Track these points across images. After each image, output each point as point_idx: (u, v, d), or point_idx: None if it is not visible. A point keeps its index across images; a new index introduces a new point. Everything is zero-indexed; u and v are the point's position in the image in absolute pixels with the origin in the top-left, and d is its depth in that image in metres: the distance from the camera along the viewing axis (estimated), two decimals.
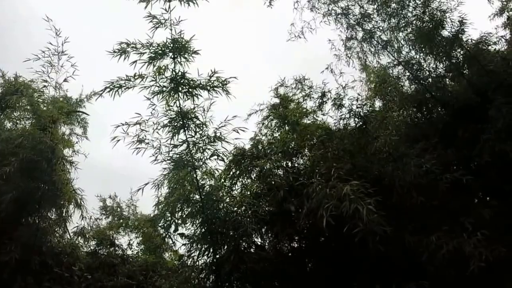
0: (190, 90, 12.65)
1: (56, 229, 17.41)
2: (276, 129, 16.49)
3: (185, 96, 12.68)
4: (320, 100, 15.92)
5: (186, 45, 12.45)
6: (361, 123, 14.36)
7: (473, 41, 15.43)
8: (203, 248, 13.22)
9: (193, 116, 12.78)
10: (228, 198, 13.94)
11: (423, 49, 15.97)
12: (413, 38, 15.99)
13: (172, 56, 12.50)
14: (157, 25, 12.29)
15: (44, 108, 17.34)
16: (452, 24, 15.30)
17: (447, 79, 16.29)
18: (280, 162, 14.36)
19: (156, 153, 12.82)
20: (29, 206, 15.86)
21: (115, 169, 20.42)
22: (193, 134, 12.89)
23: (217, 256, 12.96)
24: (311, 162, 13.86)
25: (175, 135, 12.76)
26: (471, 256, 10.29)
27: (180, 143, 12.83)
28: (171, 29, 12.30)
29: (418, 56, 16.27)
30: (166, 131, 12.74)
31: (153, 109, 12.68)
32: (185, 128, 12.73)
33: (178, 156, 12.89)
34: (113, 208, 20.26)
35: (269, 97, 17.05)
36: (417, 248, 11.07)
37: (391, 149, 13.35)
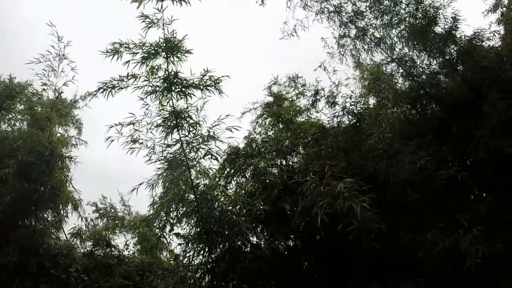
0: (183, 89, 12.53)
1: (52, 231, 17.39)
2: (270, 127, 16.57)
3: (178, 96, 12.57)
4: (314, 98, 15.93)
5: (179, 45, 12.36)
6: (354, 120, 14.32)
7: (467, 37, 15.32)
8: (198, 248, 13.13)
9: (186, 115, 12.66)
10: (222, 197, 13.80)
11: (417, 46, 15.85)
12: (406, 35, 15.86)
13: (165, 56, 12.39)
14: (149, 25, 12.16)
15: (41, 110, 17.26)
16: (445, 21, 15.21)
17: (441, 76, 16.21)
18: (274, 161, 14.27)
19: (150, 153, 12.70)
20: (26, 208, 15.75)
21: (110, 169, 20.29)
22: (187, 134, 12.77)
23: (213, 255, 12.85)
24: (305, 160, 13.77)
25: (169, 134, 12.65)
26: (467, 252, 10.21)
27: (174, 143, 12.72)
28: (163, 29, 12.22)
29: (411, 53, 16.15)
30: (160, 131, 12.64)
31: (147, 109, 12.58)
32: (179, 128, 12.60)
33: (172, 155, 12.76)
34: (106, 209, 20.14)
35: (263, 95, 17.13)
36: (413, 245, 10.96)
37: (386, 146, 13.29)
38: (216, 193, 13.70)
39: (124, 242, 19.51)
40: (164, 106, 12.62)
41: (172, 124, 12.58)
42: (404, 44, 16.15)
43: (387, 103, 16.84)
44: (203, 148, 12.78)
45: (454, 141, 13.14)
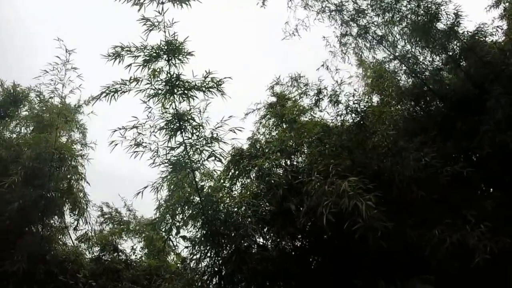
0: (186, 91, 12.45)
1: (59, 237, 17.45)
2: (274, 127, 16.53)
3: (180, 98, 12.48)
4: (317, 97, 15.81)
5: (180, 47, 12.26)
6: (358, 118, 14.23)
7: (469, 33, 15.27)
8: (205, 250, 13.08)
9: (189, 117, 12.57)
10: (228, 199, 13.69)
11: (419, 43, 15.86)
12: (408, 32, 15.87)
13: (167, 58, 12.31)
14: (150, 28, 12.08)
15: (47, 116, 17.32)
16: (447, 17, 15.20)
17: (444, 72, 16.20)
18: (278, 161, 14.24)
19: (154, 156, 12.60)
20: (33, 214, 15.76)
21: (115, 172, 20.26)
22: (190, 136, 12.67)
23: (219, 257, 12.81)
24: (310, 159, 13.68)
25: (172, 137, 12.55)
26: (475, 248, 10.21)
27: (178, 145, 12.63)
28: (165, 31, 12.12)
29: (414, 50, 16.16)
30: (163, 134, 12.56)
31: (149, 112, 12.49)
32: (182, 130, 12.51)
33: (176, 158, 12.69)
34: (111, 214, 20.09)
35: (266, 96, 17.14)
36: (419, 243, 10.94)
37: (390, 144, 13.33)
38: (221, 195, 13.65)
39: (131, 247, 19.49)
40: (167, 108, 12.53)
41: (175, 127, 12.50)
42: (406, 41, 16.18)
43: (390, 100, 16.88)
44: (206, 150, 12.69)
45: (459, 137, 13.13)
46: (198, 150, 12.69)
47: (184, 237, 14.23)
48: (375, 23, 16.39)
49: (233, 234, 12.74)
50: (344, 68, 17.00)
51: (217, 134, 12.58)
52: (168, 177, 12.94)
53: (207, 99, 12.55)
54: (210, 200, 12.94)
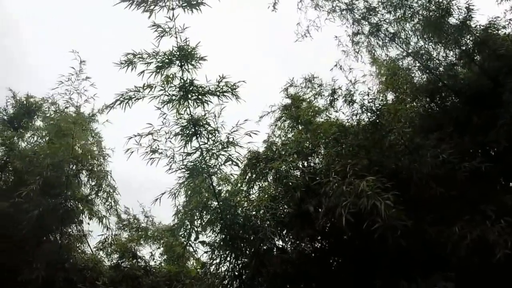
0: (200, 97, 12.59)
1: (78, 245, 17.77)
2: (289, 129, 16.67)
3: (195, 103, 12.63)
4: (331, 97, 15.82)
5: (193, 52, 12.39)
6: (374, 117, 14.31)
7: (482, 27, 15.30)
8: (224, 255, 13.21)
9: (204, 122, 12.70)
10: (246, 203, 13.84)
11: (432, 39, 15.90)
12: (420, 28, 15.91)
13: (179, 64, 12.45)
14: (162, 34, 12.21)
15: (63, 126, 17.55)
16: (459, 11, 15.23)
17: (458, 67, 16.17)
18: (295, 163, 14.28)
19: (170, 162, 12.75)
20: (51, 223, 16.13)
21: (130, 180, 20.42)
22: (206, 141, 12.80)
23: (239, 261, 12.93)
24: (327, 160, 13.79)
25: (188, 143, 12.69)
26: (495, 244, 10.20)
27: (194, 151, 12.77)
28: (176, 37, 12.24)
29: (427, 46, 16.19)
30: (179, 140, 12.69)
31: (164, 118, 12.62)
32: (198, 135, 12.66)
33: (192, 163, 12.81)
34: (129, 221, 20.24)
35: (280, 98, 17.25)
36: (438, 240, 10.98)
37: (406, 142, 13.34)
38: (239, 198, 13.79)
39: (149, 253, 19.60)
40: (182, 114, 12.66)
41: (190, 132, 12.63)
42: (419, 38, 16.23)
43: (405, 98, 16.87)
44: (223, 155, 12.82)
45: (475, 132, 13.13)
46: (215, 155, 12.81)
47: (203, 242, 14.28)
48: (387, 21, 16.42)
49: (252, 238, 12.85)
50: (357, 67, 17.10)
51: (233, 138, 12.70)
52: (185, 182, 13.02)
53: (221, 103, 12.68)
54: (228, 205, 13.07)
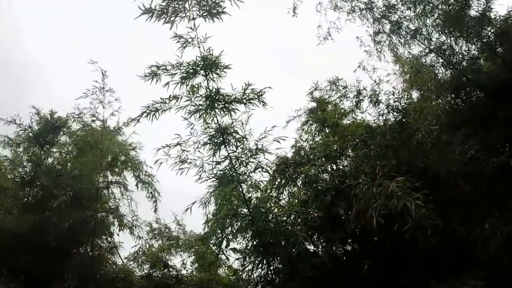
0: (226, 105, 12.82)
1: (109, 256, 18.28)
2: (317, 133, 16.78)
3: (222, 112, 12.86)
4: (357, 99, 16.11)
5: (217, 61, 12.57)
6: (400, 116, 14.54)
7: (502, 17, 15.38)
8: (256, 261, 13.48)
9: (232, 131, 12.93)
10: (276, 209, 14.03)
11: (453, 33, 15.93)
12: (441, 22, 15.97)
13: (204, 74, 12.66)
14: (184, 45, 12.43)
15: (90, 139, 18.15)
16: (478, 3, 15.28)
17: (481, 60, 16.27)
18: (324, 166, 14.50)
19: (200, 172, 13.07)
20: (81, 235, 16.71)
21: (161, 188, 20.78)
22: (235, 149, 13.05)
23: (271, 267, 13.22)
24: (355, 162, 13.95)
25: (217, 151, 12.95)
26: None
27: (223, 159, 13.03)
28: (199, 47, 12.44)
29: (449, 41, 16.23)
30: (207, 149, 12.96)
31: (192, 128, 12.92)
32: (226, 144, 12.90)
33: (222, 172, 13.08)
34: (160, 230, 20.61)
35: (306, 101, 17.40)
36: (468, 238, 11.10)
37: (434, 140, 13.53)
38: (269, 205, 13.98)
39: (181, 262, 19.96)
40: (209, 124, 12.92)
41: (219, 141, 12.86)
42: (440, 33, 16.29)
43: (430, 95, 16.97)
44: (252, 162, 13.07)
45: (501, 126, 13.16)
46: (244, 162, 13.09)
47: (234, 249, 14.55)
48: (407, 17, 16.53)
49: (283, 243, 13.11)
50: (380, 67, 17.26)
51: (262, 145, 12.95)
52: (216, 191, 13.37)
53: (248, 110, 12.88)
54: (259, 211, 13.27)
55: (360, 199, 11.60)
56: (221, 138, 12.89)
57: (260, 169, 13.16)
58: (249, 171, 13.19)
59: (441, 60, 16.62)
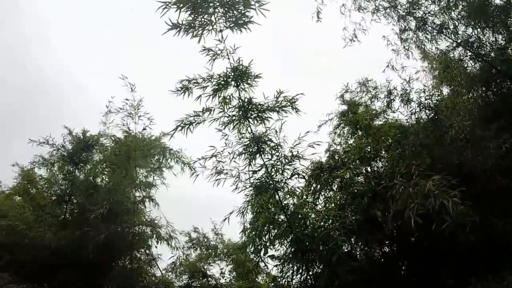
0: (260, 114, 13.10)
1: (148, 269, 18.89)
2: (349, 136, 16.95)
3: (255, 121, 13.14)
4: (388, 99, 16.33)
5: (247, 71, 12.89)
6: (432, 114, 14.73)
7: None
8: (295, 267, 13.70)
9: (266, 139, 13.21)
10: (313, 214, 14.34)
11: (479, 24, 16.09)
12: (466, 14, 16.11)
13: (235, 84, 12.99)
14: (214, 57, 12.75)
15: (122, 154, 18.77)
16: None
17: (509, 50, 16.32)
18: (359, 169, 14.72)
19: (236, 181, 13.34)
20: (119, 249, 17.35)
21: (197, 198, 21.13)
22: (270, 157, 13.29)
23: (310, 272, 13.40)
24: (390, 163, 14.08)
25: (252, 160, 13.24)
26: None
27: (259, 168, 13.31)
28: (228, 58, 12.76)
29: (475, 32, 16.39)
30: (243, 159, 13.27)
31: (226, 139, 13.24)
32: (261, 152, 13.18)
33: (258, 181, 13.36)
34: (199, 239, 21.05)
35: (336, 105, 17.66)
36: (505, 232, 11.28)
37: (468, 135, 13.56)
38: (306, 210, 14.28)
39: (219, 271, 20.39)
40: (243, 134, 13.23)
41: (254, 150, 13.17)
42: (466, 25, 16.43)
43: (461, 90, 17.01)
44: (287, 169, 13.30)
45: None
46: (280, 169, 13.33)
47: (272, 256, 14.74)
48: (432, 12, 16.78)
49: (321, 248, 13.26)
50: (409, 65, 17.43)
51: (297, 151, 13.18)
52: (253, 200, 13.67)
53: (281, 118, 13.14)
54: (296, 217, 13.51)
55: (397, 200, 11.79)
56: (256, 147, 13.19)
57: (296, 176, 13.41)
58: (285, 178, 13.40)
59: (469, 53, 16.72)
